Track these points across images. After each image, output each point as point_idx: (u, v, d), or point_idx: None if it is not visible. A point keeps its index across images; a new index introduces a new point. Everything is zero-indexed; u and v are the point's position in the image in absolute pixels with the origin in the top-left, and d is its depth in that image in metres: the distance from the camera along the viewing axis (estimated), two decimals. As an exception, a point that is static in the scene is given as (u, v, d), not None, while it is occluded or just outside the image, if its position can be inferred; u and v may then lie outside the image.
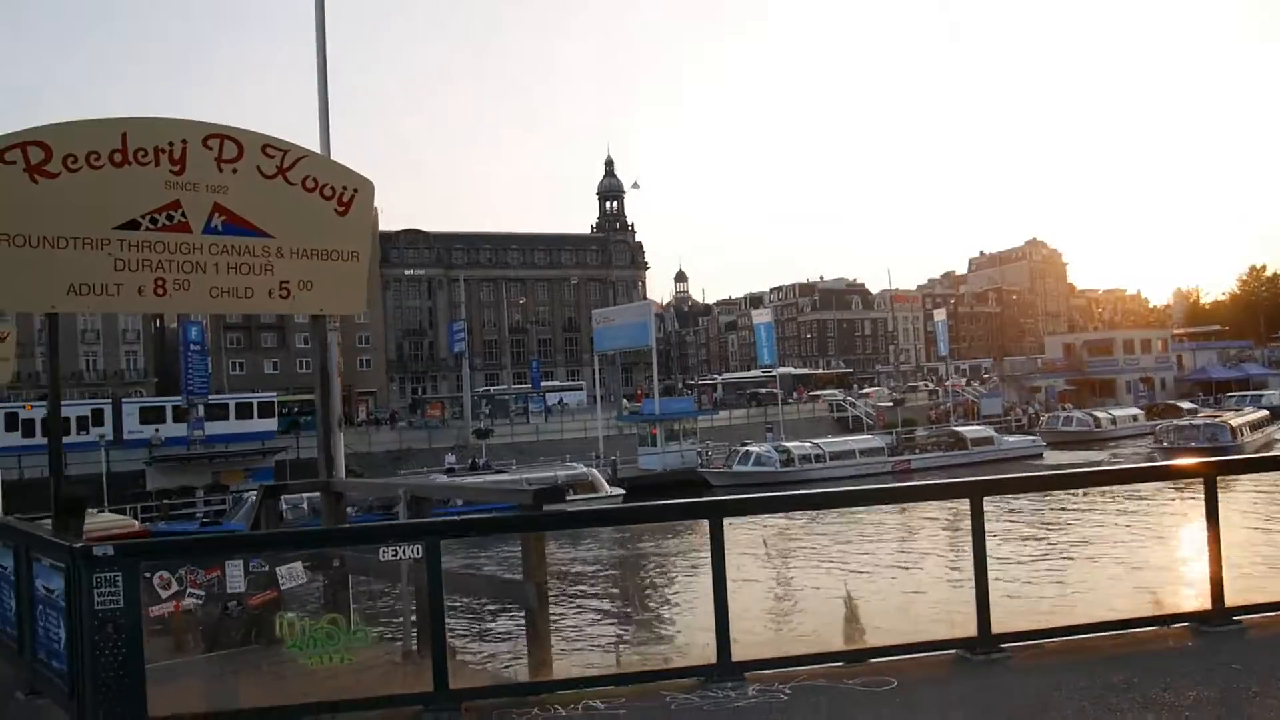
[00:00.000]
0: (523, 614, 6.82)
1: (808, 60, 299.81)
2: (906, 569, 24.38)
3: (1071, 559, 23.87)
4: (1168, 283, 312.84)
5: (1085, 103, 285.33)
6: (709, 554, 5.78)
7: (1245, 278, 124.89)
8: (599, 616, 22.59)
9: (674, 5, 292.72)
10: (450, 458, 43.13)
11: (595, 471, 38.72)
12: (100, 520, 18.73)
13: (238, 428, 51.62)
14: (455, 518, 9.87)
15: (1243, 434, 44.78)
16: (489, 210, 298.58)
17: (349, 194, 7.94)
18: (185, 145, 7.18)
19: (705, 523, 5.97)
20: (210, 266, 7.36)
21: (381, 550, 5.36)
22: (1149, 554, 22.40)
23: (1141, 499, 27.73)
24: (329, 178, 7.92)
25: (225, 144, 7.37)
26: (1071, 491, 28.51)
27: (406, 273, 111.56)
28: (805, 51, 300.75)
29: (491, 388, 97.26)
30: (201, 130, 7.33)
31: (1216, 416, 49.29)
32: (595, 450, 45.53)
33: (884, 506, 34.87)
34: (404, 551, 5.38)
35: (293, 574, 5.92)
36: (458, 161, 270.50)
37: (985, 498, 5.80)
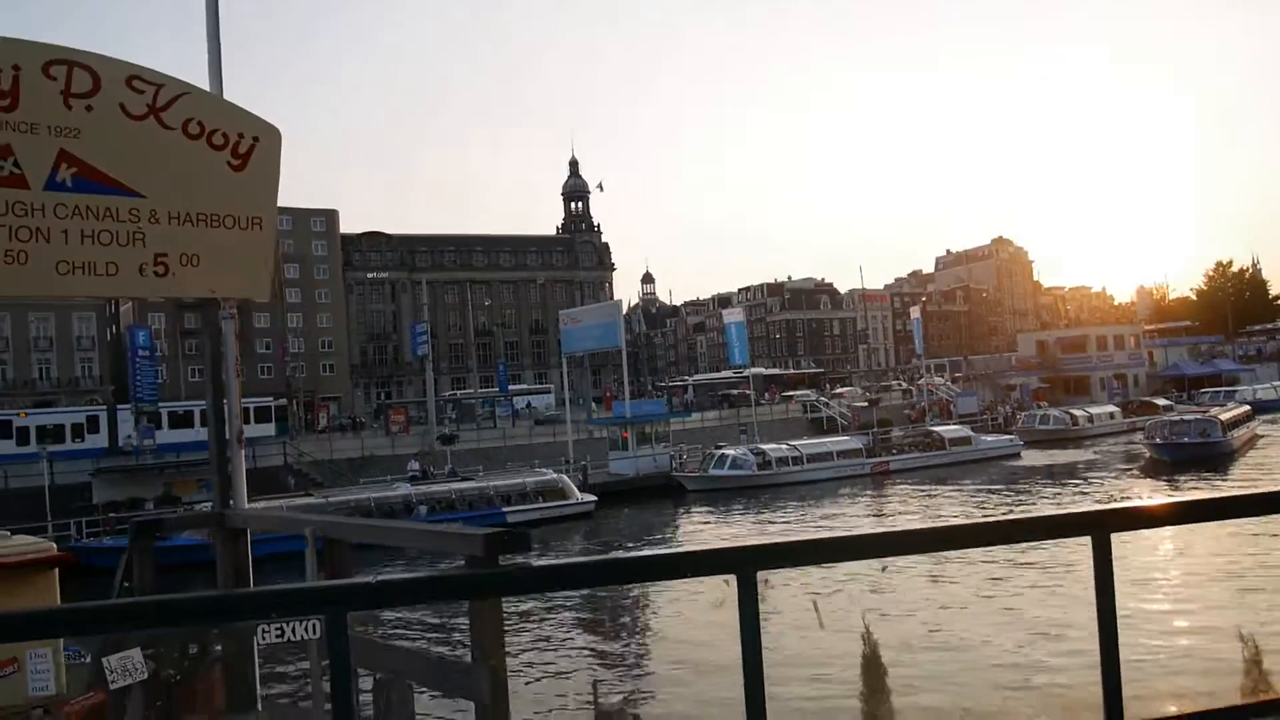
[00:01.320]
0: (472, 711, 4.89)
1: (776, 59, 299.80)
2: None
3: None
4: (1131, 280, 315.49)
5: (1048, 100, 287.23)
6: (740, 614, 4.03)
7: (1211, 273, 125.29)
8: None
9: (642, 3, 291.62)
10: (414, 464, 41.29)
11: (565, 477, 37.07)
12: (13, 544, 16.81)
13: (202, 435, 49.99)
14: (368, 580, 7.80)
15: (1231, 429, 44.44)
16: (453, 212, 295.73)
17: (246, 144, 6.09)
18: (17, 73, 5.30)
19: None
20: (56, 234, 5.51)
21: (260, 631, 3.62)
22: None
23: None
24: (219, 121, 6.05)
25: (75, 73, 5.50)
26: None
27: (369, 276, 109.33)
28: (773, 50, 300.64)
29: (458, 392, 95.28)
30: (40, 54, 5.45)
31: (1205, 411, 48.60)
32: (565, 455, 43.82)
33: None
34: (294, 631, 3.64)
35: (128, 667, 4.01)
36: (422, 163, 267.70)
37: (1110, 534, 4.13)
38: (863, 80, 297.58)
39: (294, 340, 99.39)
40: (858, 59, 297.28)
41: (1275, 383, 74.65)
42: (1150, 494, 34.99)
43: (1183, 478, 37.77)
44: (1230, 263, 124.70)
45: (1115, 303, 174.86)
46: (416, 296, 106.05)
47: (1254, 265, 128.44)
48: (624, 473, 43.21)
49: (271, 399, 60.10)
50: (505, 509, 34.14)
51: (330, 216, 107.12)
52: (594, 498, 36.81)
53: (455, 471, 39.32)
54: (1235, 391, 68.19)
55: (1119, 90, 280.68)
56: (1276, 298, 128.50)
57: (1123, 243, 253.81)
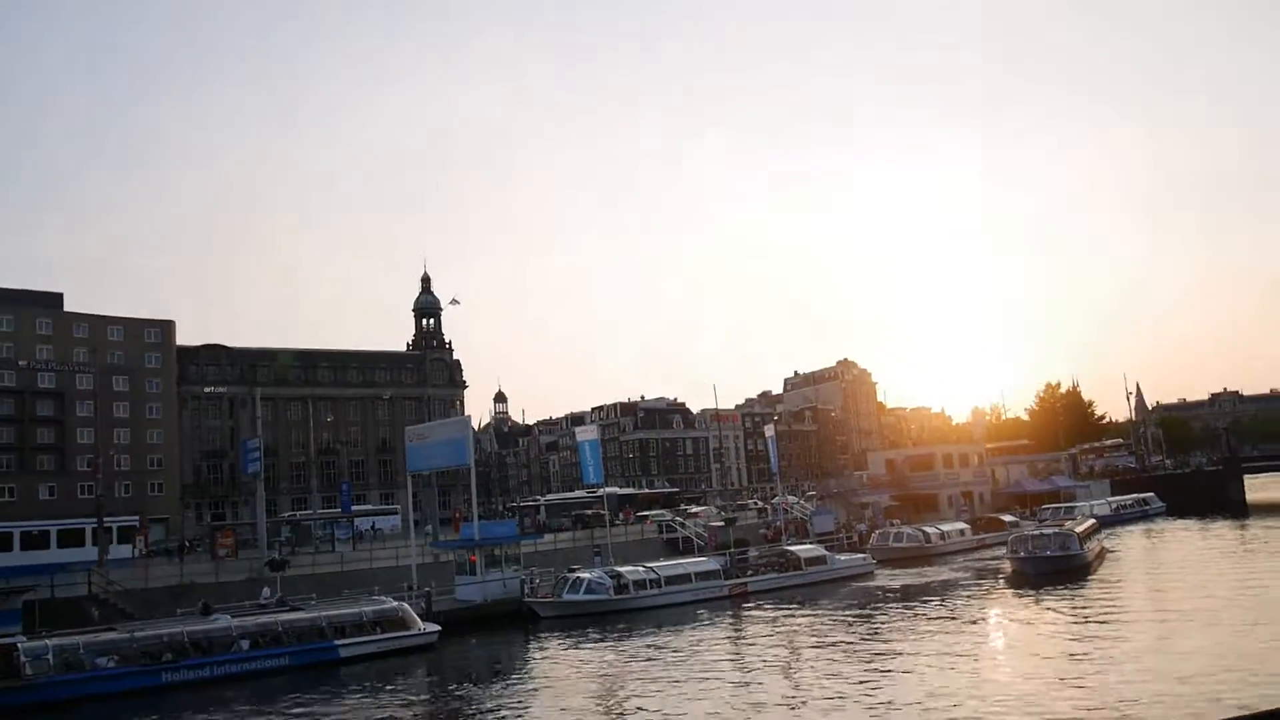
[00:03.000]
0: None
1: (629, 180, 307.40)
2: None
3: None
4: (964, 402, 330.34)
5: (882, 226, 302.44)
6: None
7: (1042, 394, 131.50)
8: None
9: (495, 113, 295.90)
10: (266, 592, 37.65)
11: (405, 606, 34.29)
12: None
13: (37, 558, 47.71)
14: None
15: (1085, 542, 45.95)
16: (299, 327, 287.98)
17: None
18: None
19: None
20: None
21: None
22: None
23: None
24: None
25: None
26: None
27: (206, 390, 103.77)
28: (625, 171, 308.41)
29: (297, 513, 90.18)
30: None
31: (1060, 525, 50.16)
32: (408, 580, 40.98)
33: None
34: None
35: None
36: (266, 277, 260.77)
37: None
38: (710, 205, 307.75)
39: (119, 457, 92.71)
40: (703, 183, 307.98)
41: (1109, 499, 77.82)
42: (1023, 609, 35.00)
43: (1045, 592, 38.03)
44: (1059, 384, 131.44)
45: (953, 423, 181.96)
46: (254, 411, 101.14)
47: (1074, 386, 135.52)
48: (472, 599, 40.61)
49: (89, 521, 55.16)
50: (338, 641, 31.15)
51: (166, 327, 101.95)
52: (438, 627, 34.13)
53: (284, 600, 35.99)
54: (1074, 507, 70.48)
55: (946, 219, 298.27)
56: (1100, 418, 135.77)
57: (955, 366, 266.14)
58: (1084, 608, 33.77)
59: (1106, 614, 31.32)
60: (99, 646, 27.99)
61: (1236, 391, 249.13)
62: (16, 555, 51.33)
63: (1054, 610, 33.51)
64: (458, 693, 27.07)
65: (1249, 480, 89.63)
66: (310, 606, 34.29)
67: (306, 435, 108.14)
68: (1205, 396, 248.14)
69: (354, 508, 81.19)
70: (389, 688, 27.18)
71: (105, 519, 48.93)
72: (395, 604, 34.01)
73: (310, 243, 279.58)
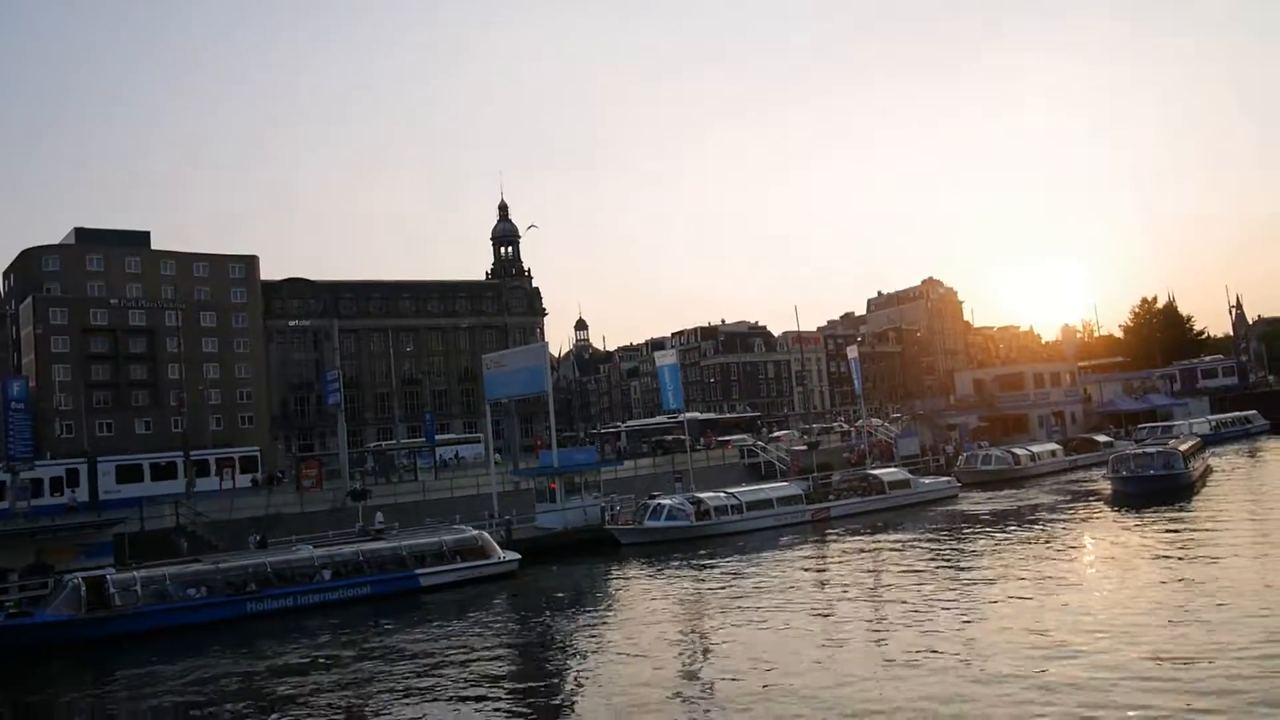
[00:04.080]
0: None
1: (708, 106, 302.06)
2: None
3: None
4: (1057, 318, 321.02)
5: (972, 143, 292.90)
6: None
7: (1137, 310, 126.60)
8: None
9: (563, 50, 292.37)
10: (379, 518, 38.62)
11: (485, 534, 34.21)
12: None
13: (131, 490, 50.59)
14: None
15: (1189, 461, 44.06)
16: (380, 258, 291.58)
17: None
18: None
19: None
20: None
21: None
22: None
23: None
24: None
25: None
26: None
27: (291, 323, 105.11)
28: (705, 98, 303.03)
29: (383, 443, 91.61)
30: None
31: (1165, 444, 47.89)
32: (489, 508, 41.00)
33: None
34: None
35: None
36: (348, 208, 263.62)
37: None
38: (793, 125, 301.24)
39: (209, 391, 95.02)
40: (788, 102, 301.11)
41: (1209, 417, 74.59)
42: (1125, 532, 33.48)
43: (1149, 512, 36.43)
44: (1155, 299, 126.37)
45: (1043, 341, 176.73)
46: (341, 344, 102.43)
47: (1170, 301, 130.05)
48: (552, 526, 40.56)
49: (180, 454, 56.58)
50: (419, 571, 31.21)
51: (250, 262, 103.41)
52: (518, 555, 34.02)
53: (368, 529, 36.25)
54: (1171, 426, 67.78)
55: (1039, 138, 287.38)
56: (1199, 333, 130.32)
57: (1046, 283, 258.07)
58: (1190, 530, 32.16)
59: (1213, 539, 29.65)
60: (185, 578, 28.40)
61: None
62: (112, 487, 53.01)
63: (1157, 533, 31.96)
64: (537, 621, 26.87)
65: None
66: (392, 535, 34.43)
67: (389, 366, 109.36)
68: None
69: (437, 437, 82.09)
70: (469, 616, 27.09)
71: (195, 452, 49.93)
72: (475, 533, 33.95)
73: (389, 175, 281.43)
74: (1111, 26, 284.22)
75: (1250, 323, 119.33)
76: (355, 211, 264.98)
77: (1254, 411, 78.67)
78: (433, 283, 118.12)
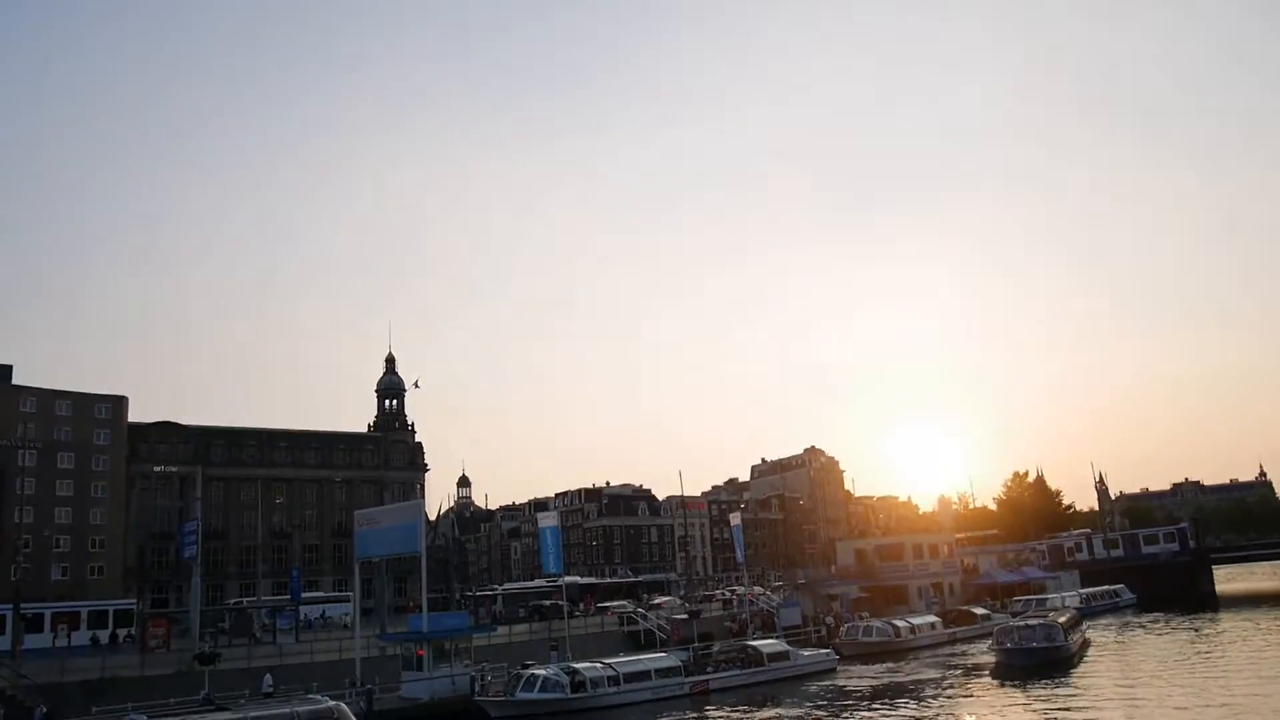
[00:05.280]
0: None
1: (598, 270, 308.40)
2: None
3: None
4: (932, 490, 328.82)
5: (844, 318, 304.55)
6: None
7: (1010, 483, 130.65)
8: None
9: (454, 202, 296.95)
10: (268, 679, 36.19)
11: (343, 705, 31.70)
12: None
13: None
14: None
15: (1069, 633, 45.85)
16: (257, 407, 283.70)
17: None
18: None
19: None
20: None
21: None
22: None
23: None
24: None
25: None
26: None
27: (156, 469, 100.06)
28: (594, 261, 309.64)
29: (244, 599, 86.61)
30: None
31: (1045, 616, 49.31)
32: (351, 676, 38.42)
33: None
34: None
35: None
36: (223, 353, 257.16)
37: None
38: (679, 295, 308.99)
39: (58, 538, 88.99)
40: (673, 275, 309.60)
41: (1079, 590, 76.17)
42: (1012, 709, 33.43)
43: (1034, 685, 36.95)
44: (1026, 473, 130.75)
45: (920, 511, 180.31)
46: (208, 493, 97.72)
47: (1040, 475, 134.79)
48: (418, 697, 38.13)
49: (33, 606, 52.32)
50: (266, 748, 28.68)
51: (117, 403, 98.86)
52: (378, 729, 31.73)
53: (211, 699, 33.39)
54: (1045, 599, 68.72)
55: (907, 319, 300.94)
56: (1068, 507, 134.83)
57: (921, 456, 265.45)
58: (1071, 701, 32.39)
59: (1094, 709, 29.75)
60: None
61: (1198, 481, 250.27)
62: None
63: (1040, 704, 32.14)
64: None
65: (1217, 571, 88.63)
66: (239, 706, 31.72)
67: (258, 518, 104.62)
68: (1167, 486, 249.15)
69: (305, 595, 78.01)
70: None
71: (26, 604, 46.00)
72: (331, 704, 31.40)
73: (271, 321, 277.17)
74: (990, 212, 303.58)
75: (1114, 498, 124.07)
76: (237, 355, 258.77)
77: (1121, 585, 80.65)
78: (311, 432, 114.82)
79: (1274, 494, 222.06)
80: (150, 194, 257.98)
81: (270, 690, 36.05)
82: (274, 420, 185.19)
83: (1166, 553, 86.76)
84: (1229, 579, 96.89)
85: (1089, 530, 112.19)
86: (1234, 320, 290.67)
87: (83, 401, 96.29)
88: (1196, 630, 56.74)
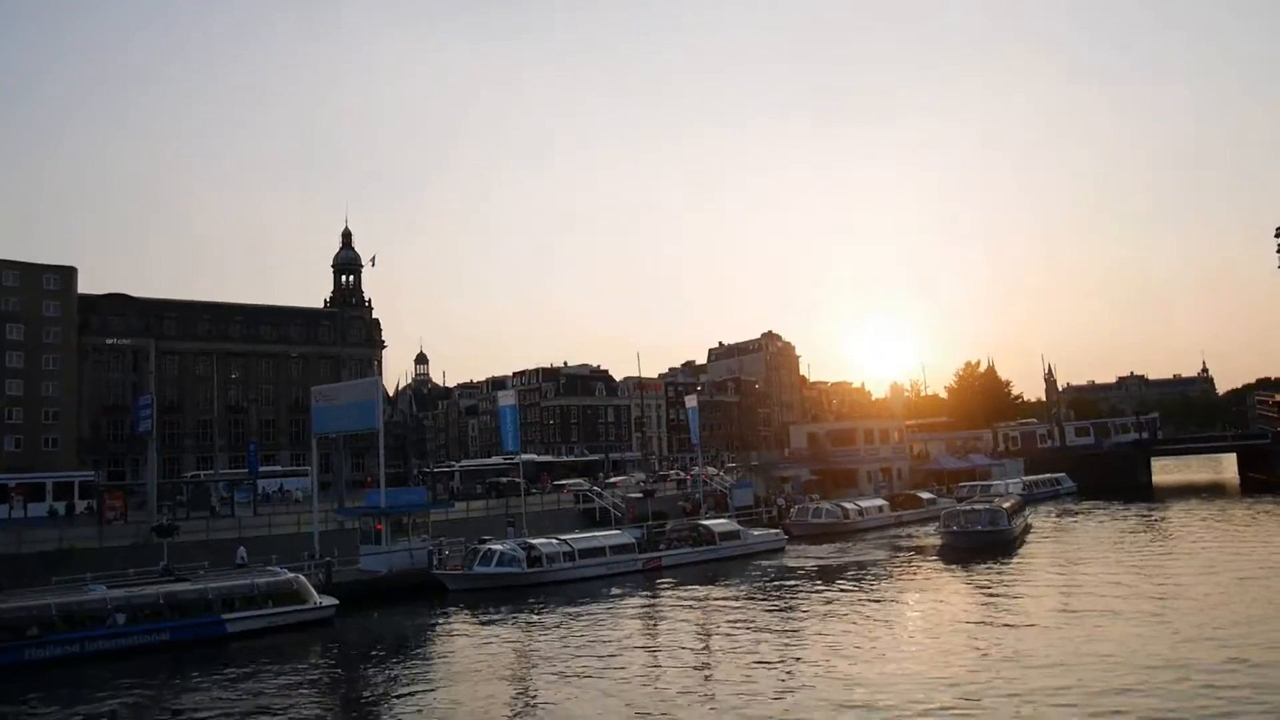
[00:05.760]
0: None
1: (563, 146, 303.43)
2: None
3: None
4: (887, 377, 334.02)
5: (814, 204, 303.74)
6: None
7: (962, 372, 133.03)
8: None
9: (422, 86, 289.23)
10: (242, 552, 37.05)
11: (301, 577, 32.34)
12: None
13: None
14: None
15: (1012, 518, 48.59)
16: (212, 280, 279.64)
17: None
18: None
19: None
20: None
21: None
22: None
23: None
24: None
25: None
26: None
27: (108, 342, 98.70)
28: (560, 138, 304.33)
29: (201, 472, 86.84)
30: None
31: (990, 501, 51.46)
32: (309, 549, 38.92)
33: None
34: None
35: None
36: (177, 225, 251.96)
37: None
38: (644, 178, 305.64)
39: (10, 410, 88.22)
40: (642, 155, 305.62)
41: (1023, 478, 78.62)
42: (956, 587, 35.04)
43: (977, 566, 39.15)
44: (978, 363, 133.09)
45: (873, 398, 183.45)
46: (162, 366, 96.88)
47: (990, 366, 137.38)
48: (376, 570, 38.80)
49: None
50: (225, 616, 29.12)
51: (67, 274, 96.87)
52: (335, 601, 32.29)
53: (170, 569, 33.76)
54: (990, 485, 70.81)
55: (878, 196, 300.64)
56: (1017, 397, 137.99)
57: (877, 342, 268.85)
58: (1013, 580, 35.05)
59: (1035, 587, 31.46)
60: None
61: (1143, 376, 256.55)
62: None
63: (982, 584, 33.78)
64: (349, 674, 25.39)
65: (1155, 462, 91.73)
66: (198, 577, 32.15)
67: (213, 392, 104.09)
68: (1113, 379, 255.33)
69: (263, 469, 78.40)
70: (276, 666, 25.37)
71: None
72: (289, 575, 32.02)
73: (227, 194, 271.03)
74: (968, 83, 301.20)
75: (1061, 389, 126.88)
76: (191, 225, 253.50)
77: (1063, 474, 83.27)
78: (266, 307, 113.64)
79: (1214, 390, 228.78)
80: (102, 54, 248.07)
81: (244, 563, 36.44)
82: (229, 295, 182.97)
83: (1139, 442, 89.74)
84: (1164, 470, 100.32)
85: (1034, 420, 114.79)
86: (1188, 222, 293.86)
87: (30, 272, 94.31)
88: (1132, 516, 59.02)
